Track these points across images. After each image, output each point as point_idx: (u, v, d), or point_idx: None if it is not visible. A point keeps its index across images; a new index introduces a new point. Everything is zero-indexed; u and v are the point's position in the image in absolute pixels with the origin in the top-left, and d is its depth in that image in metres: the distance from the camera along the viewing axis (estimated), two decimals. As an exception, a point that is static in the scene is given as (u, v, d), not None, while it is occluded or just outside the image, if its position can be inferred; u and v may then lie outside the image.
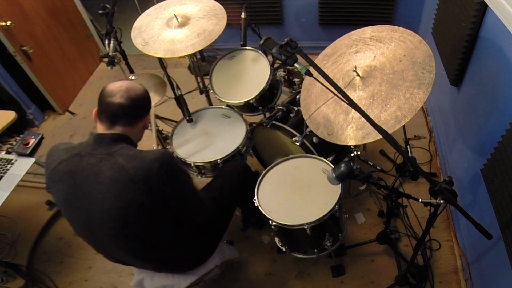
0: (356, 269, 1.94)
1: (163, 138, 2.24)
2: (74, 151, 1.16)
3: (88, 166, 1.13)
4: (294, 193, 1.62)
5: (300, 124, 1.86)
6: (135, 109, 1.19)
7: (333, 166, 1.32)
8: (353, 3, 2.83)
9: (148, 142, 1.71)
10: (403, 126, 1.34)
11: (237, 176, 1.68)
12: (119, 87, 1.17)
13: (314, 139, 1.82)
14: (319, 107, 1.51)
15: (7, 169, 1.86)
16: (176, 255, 1.37)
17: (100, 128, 1.19)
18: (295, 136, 1.82)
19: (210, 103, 2.46)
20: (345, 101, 1.06)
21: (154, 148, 1.79)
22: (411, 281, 1.79)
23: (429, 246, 1.96)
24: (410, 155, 1.49)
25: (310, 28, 3.11)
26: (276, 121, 1.90)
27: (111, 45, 1.99)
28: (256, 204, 1.59)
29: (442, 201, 1.08)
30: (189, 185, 1.28)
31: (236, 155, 1.86)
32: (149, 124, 2.16)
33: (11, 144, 2.09)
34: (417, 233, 2.01)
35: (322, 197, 1.56)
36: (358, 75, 1.41)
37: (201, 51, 3.16)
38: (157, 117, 2.49)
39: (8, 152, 1.96)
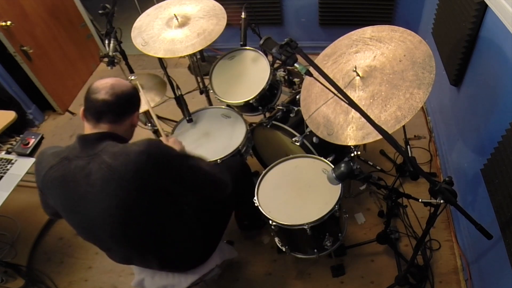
0: (356, 269, 1.94)
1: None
2: (62, 155, 1.14)
3: (77, 169, 1.11)
4: (294, 193, 1.62)
5: (300, 124, 1.86)
6: (121, 106, 1.16)
7: (333, 166, 1.32)
8: (353, 3, 2.83)
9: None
10: (403, 126, 1.34)
11: (234, 174, 1.67)
12: (104, 83, 1.15)
13: (314, 139, 1.82)
14: (319, 107, 1.52)
15: (7, 169, 1.86)
16: (179, 251, 1.37)
17: (87, 127, 1.16)
18: (295, 136, 1.82)
19: (210, 103, 2.46)
20: (345, 101, 1.06)
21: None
22: (411, 281, 1.79)
23: (429, 246, 1.96)
24: (410, 155, 1.49)
25: (310, 28, 3.11)
26: (276, 121, 1.90)
27: (111, 45, 1.99)
28: (256, 204, 1.59)
29: (442, 201, 1.08)
30: (190, 165, 1.21)
31: (236, 155, 1.86)
32: (150, 123, 2.17)
33: (11, 144, 2.09)
34: (417, 233, 2.01)
35: (322, 197, 1.56)
36: (358, 75, 1.41)
37: (201, 51, 3.16)
38: (156, 116, 2.49)
39: (8, 152, 1.96)
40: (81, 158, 1.11)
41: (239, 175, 1.69)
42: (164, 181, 1.13)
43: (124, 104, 1.18)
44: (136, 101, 1.24)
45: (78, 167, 1.11)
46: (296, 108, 1.94)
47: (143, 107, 1.91)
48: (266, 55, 1.96)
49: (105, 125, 1.15)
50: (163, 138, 1.48)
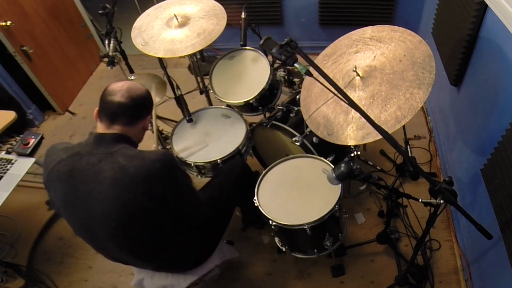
0: (356, 269, 1.94)
1: (163, 138, 2.24)
2: (73, 151, 1.16)
3: (88, 166, 1.13)
4: (294, 193, 1.62)
5: (300, 124, 1.86)
6: (135, 109, 1.20)
7: (333, 166, 1.32)
8: (353, 3, 2.83)
9: (148, 142, 1.71)
10: (403, 126, 1.34)
11: (236, 175, 1.68)
12: (120, 86, 1.18)
13: (314, 139, 1.82)
14: (319, 107, 1.51)
15: (7, 169, 1.86)
16: (175, 255, 1.37)
17: (100, 127, 1.19)
18: (295, 136, 1.82)
19: (210, 103, 2.46)
20: (345, 101, 1.06)
21: (154, 147, 1.79)
22: (411, 281, 1.79)
23: (429, 246, 1.96)
24: (410, 155, 1.49)
25: (310, 28, 3.11)
26: (276, 121, 1.90)
27: (111, 45, 1.99)
28: (256, 204, 1.59)
29: (442, 201, 1.08)
30: (188, 187, 1.28)
31: (236, 155, 1.86)
32: (149, 124, 2.17)
33: (11, 144, 2.10)
34: (417, 233, 2.01)
35: (322, 197, 1.56)
36: (358, 75, 1.41)
37: (201, 51, 3.16)
38: (157, 117, 2.49)
39: (8, 152, 1.96)
40: (94, 155, 1.13)
41: (240, 175, 1.70)
42: (166, 190, 1.16)
43: (138, 108, 1.21)
44: (150, 105, 1.28)
45: (90, 164, 1.13)
46: (296, 108, 1.94)
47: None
48: (266, 55, 1.96)
49: (119, 127, 1.18)
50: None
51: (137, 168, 1.10)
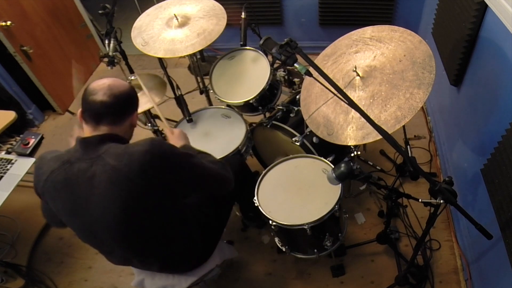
0: (356, 269, 1.94)
1: (163, 138, 2.24)
2: (63, 159, 1.13)
3: (80, 172, 1.10)
4: (294, 193, 1.62)
5: (300, 124, 1.87)
6: (119, 107, 1.15)
7: (333, 166, 1.32)
8: (353, 3, 2.83)
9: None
10: (403, 126, 1.34)
11: (233, 172, 1.67)
12: (101, 84, 1.13)
13: (314, 139, 1.82)
14: (319, 107, 1.52)
15: (7, 169, 1.86)
16: (179, 252, 1.37)
17: (86, 130, 1.15)
18: (295, 136, 1.82)
19: (210, 103, 2.46)
20: (345, 101, 1.06)
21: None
22: (411, 281, 1.79)
23: (429, 246, 1.96)
24: (410, 155, 1.49)
25: (310, 28, 3.12)
26: (276, 121, 1.90)
27: (111, 45, 1.99)
28: (256, 204, 1.59)
29: (442, 201, 1.08)
30: (193, 164, 1.21)
31: (236, 155, 1.86)
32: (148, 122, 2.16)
33: (11, 144, 2.09)
34: (417, 233, 2.01)
35: (322, 197, 1.56)
36: (358, 75, 1.41)
37: (201, 51, 3.16)
38: (156, 117, 2.49)
39: (8, 152, 1.96)
40: (84, 161, 1.11)
41: (237, 172, 1.69)
42: (168, 181, 1.13)
43: (123, 105, 1.16)
44: (135, 101, 1.23)
45: (82, 170, 1.10)
46: (296, 108, 1.94)
47: (146, 106, 1.93)
48: (266, 55, 1.96)
49: (105, 127, 1.14)
50: (168, 131, 1.48)
51: (128, 165, 1.06)
